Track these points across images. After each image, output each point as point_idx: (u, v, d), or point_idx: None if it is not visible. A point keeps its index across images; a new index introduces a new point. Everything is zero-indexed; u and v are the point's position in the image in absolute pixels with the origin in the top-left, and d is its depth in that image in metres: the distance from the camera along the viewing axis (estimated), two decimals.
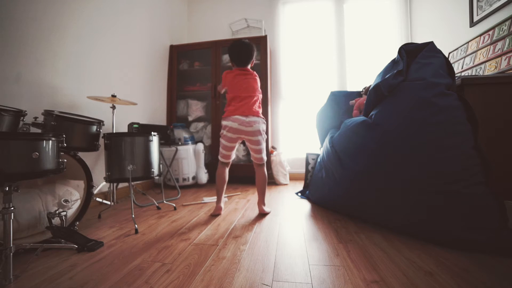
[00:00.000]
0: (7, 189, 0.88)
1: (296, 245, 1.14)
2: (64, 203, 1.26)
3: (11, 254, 0.88)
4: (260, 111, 1.69)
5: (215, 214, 1.63)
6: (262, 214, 1.63)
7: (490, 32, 1.80)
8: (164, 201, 1.90)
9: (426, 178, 1.09)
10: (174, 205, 1.85)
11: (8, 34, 1.37)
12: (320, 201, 1.76)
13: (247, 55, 1.66)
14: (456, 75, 1.59)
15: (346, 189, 1.42)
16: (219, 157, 1.69)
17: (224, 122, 1.64)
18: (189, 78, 3.13)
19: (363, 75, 3.01)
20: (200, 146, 2.66)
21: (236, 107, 1.62)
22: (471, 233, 1.00)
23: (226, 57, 2.92)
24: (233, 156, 1.72)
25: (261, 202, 1.67)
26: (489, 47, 1.78)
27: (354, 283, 0.81)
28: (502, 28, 1.70)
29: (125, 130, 2.18)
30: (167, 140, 2.33)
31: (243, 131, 1.60)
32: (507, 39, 1.64)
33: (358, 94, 1.98)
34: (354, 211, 1.44)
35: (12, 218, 0.89)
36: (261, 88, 1.79)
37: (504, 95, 1.27)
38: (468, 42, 2.02)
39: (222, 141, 1.66)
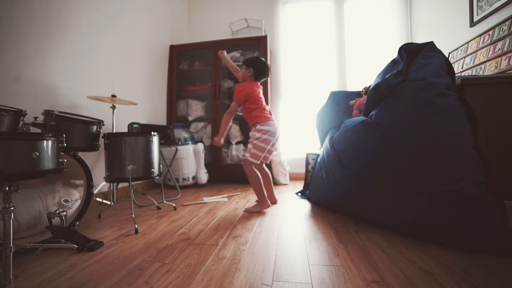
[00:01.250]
0: (7, 189, 0.88)
1: (296, 245, 1.14)
2: (64, 203, 1.26)
3: (11, 254, 0.88)
4: None
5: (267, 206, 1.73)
6: (262, 214, 1.63)
7: (490, 32, 1.80)
8: (164, 201, 1.90)
9: (426, 178, 1.09)
10: (174, 205, 1.85)
11: (8, 34, 1.37)
12: (320, 201, 1.76)
13: (268, 73, 1.90)
14: (456, 75, 1.59)
15: (346, 189, 1.42)
16: (254, 160, 1.73)
17: (264, 127, 1.75)
18: (189, 78, 3.13)
19: (363, 75, 3.01)
20: (200, 146, 2.66)
21: (268, 114, 1.80)
22: (471, 233, 1.00)
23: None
24: None
25: (273, 193, 1.91)
26: (489, 47, 1.78)
27: (354, 283, 0.81)
28: (502, 28, 1.70)
29: (125, 130, 2.18)
30: (167, 140, 2.34)
31: (276, 136, 1.79)
32: (507, 39, 1.64)
33: (358, 94, 1.98)
34: (354, 211, 1.44)
35: (12, 218, 0.89)
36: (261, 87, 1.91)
37: (504, 95, 1.27)
38: (468, 42, 2.02)
39: (260, 144, 1.73)
